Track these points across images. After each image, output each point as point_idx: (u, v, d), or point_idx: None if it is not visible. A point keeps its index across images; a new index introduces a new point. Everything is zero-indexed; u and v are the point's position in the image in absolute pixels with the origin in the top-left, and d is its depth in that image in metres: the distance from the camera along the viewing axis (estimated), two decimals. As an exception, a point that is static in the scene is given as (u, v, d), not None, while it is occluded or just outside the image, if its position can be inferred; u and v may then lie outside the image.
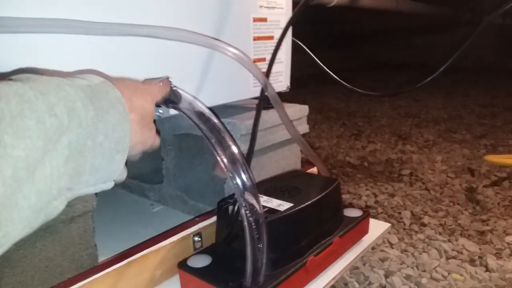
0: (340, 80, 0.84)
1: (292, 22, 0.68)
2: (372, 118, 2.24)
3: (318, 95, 2.87)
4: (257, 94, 0.74)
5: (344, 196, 1.23)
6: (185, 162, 0.81)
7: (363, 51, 4.50)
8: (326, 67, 0.89)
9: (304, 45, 0.88)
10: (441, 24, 3.86)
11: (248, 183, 0.48)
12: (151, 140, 0.43)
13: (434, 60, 1.41)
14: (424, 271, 0.86)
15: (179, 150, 0.81)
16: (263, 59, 0.76)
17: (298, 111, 0.84)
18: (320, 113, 2.37)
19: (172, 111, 0.53)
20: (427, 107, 2.47)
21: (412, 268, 0.87)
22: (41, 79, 0.31)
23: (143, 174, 0.90)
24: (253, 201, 0.48)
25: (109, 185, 0.36)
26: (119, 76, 0.45)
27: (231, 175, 0.47)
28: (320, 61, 0.90)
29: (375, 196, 1.24)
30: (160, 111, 0.55)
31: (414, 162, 1.54)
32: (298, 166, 0.89)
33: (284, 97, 0.75)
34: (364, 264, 0.88)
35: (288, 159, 0.85)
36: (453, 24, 3.71)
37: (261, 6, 0.73)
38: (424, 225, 1.05)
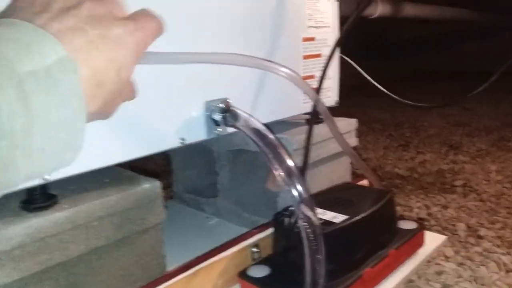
0: (390, 94, 0.85)
1: (340, 43, 0.70)
2: (420, 128, 2.19)
3: (361, 107, 2.84)
4: (307, 110, 0.77)
5: (394, 208, 1.22)
6: (239, 177, 0.85)
7: (407, 60, 4.41)
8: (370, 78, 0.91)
9: (347, 56, 0.90)
10: (488, 30, 3.72)
11: (304, 195, 0.50)
12: (125, 99, 0.36)
13: (482, 66, 1.37)
14: (483, 284, 0.83)
15: (233, 165, 0.85)
16: (312, 76, 0.78)
17: (346, 125, 0.86)
18: (365, 124, 2.35)
19: (230, 129, 0.57)
20: (478, 115, 2.38)
21: (470, 281, 0.85)
22: None
23: (199, 188, 0.95)
24: (310, 213, 0.50)
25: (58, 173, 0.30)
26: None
27: (288, 188, 0.50)
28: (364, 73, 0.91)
29: (427, 208, 1.22)
30: (219, 129, 0.59)
31: (467, 172, 1.49)
32: (348, 179, 0.90)
33: (330, 110, 0.77)
34: (419, 277, 0.87)
35: (338, 172, 0.87)
36: (501, 29, 3.56)
37: (309, 26, 0.76)
38: (481, 237, 1.02)
